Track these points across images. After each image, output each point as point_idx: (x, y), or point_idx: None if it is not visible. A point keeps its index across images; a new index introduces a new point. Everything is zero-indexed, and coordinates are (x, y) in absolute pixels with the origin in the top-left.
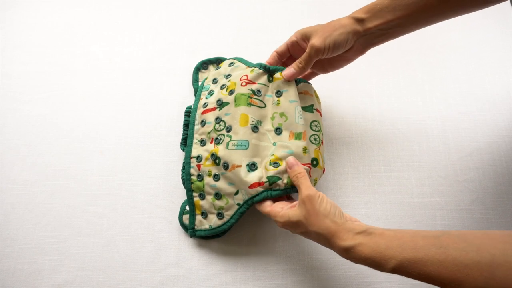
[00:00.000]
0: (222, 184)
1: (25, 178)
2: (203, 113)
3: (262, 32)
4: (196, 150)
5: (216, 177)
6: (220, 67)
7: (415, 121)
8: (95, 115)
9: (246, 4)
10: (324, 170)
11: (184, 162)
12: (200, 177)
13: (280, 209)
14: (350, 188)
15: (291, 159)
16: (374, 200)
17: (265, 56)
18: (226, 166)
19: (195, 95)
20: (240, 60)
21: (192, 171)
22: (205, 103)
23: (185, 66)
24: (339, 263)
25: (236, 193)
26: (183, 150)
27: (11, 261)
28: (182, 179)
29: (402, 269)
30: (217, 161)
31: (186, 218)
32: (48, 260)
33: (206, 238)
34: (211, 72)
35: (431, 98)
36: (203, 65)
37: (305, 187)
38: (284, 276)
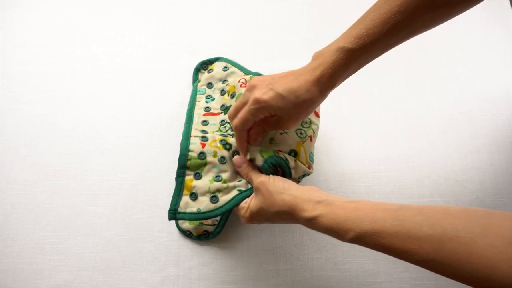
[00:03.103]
0: (227, 168)
1: (25, 178)
2: (205, 114)
3: (262, 32)
4: (197, 136)
5: (223, 160)
6: (212, 70)
7: (415, 120)
8: (95, 115)
9: (246, 4)
10: (309, 167)
11: (182, 137)
12: (202, 155)
13: (244, 204)
14: (350, 188)
15: (237, 158)
16: (374, 200)
17: (265, 56)
18: (237, 153)
19: None
20: (235, 64)
21: (193, 147)
22: (206, 107)
23: (185, 66)
24: (339, 263)
25: (240, 180)
26: None
27: (11, 261)
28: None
29: (359, 240)
30: (227, 146)
31: (182, 222)
32: (48, 260)
33: (201, 240)
34: (204, 75)
35: (431, 97)
36: (203, 65)
37: (255, 176)
38: (284, 276)
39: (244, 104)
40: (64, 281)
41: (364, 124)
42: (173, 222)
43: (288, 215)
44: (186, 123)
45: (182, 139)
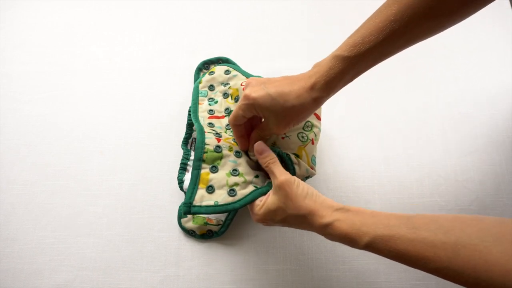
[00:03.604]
0: (243, 162)
1: (25, 178)
2: (210, 117)
3: (262, 32)
4: (210, 132)
5: (238, 154)
6: (213, 72)
7: (415, 121)
8: (95, 115)
9: (246, 4)
10: (312, 168)
11: (197, 132)
12: (218, 148)
13: (259, 202)
14: (350, 188)
15: (260, 144)
16: (374, 200)
17: (265, 56)
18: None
19: None
20: (236, 68)
21: (209, 141)
22: (210, 110)
23: (185, 66)
24: (339, 263)
25: (256, 176)
26: (183, 149)
27: (11, 261)
28: (178, 179)
29: (374, 245)
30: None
31: (185, 221)
32: (48, 260)
33: (205, 238)
34: (205, 77)
35: (431, 97)
36: (205, 65)
37: (279, 173)
38: (284, 276)
39: None
40: (64, 281)
41: (364, 124)
42: (174, 222)
43: (305, 219)
44: (196, 121)
45: (197, 134)
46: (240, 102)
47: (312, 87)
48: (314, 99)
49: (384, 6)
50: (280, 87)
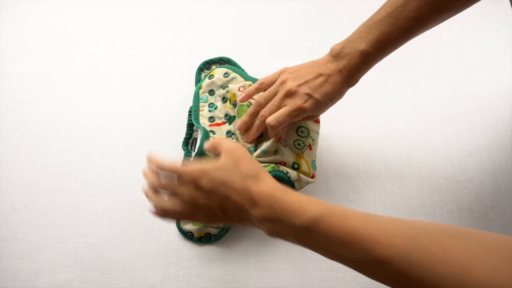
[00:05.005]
0: None
1: (25, 178)
2: (211, 125)
3: (262, 32)
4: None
5: None
6: (213, 76)
7: (415, 121)
8: (95, 115)
9: (246, 4)
10: (313, 176)
11: (201, 140)
12: None
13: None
14: (350, 188)
15: (207, 143)
16: (374, 200)
17: (265, 56)
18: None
19: None
20: (235, 70)
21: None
22: (211, 117)
23: (185, 66)
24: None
25: None
26: (184, 150)
27: (11, 261)
28: None
29: (318, 224)
30: None
31: (184, 222)
32: (48, 260)
33: (202, 242)
34: (205, 81)
35: (431, 98)
36: (206, 65)
37: (226, 143)
38: (284, 276)
39: (273, 94)
40: (64, 281)
41: (364, 124)
42: (173, 221)
43: (248, 182)
44: (201, 128)
45: (201, 143)
46: (290, 111)
47: (346, 82)
48: (347, 88)
49: (403, 2)
50: (322, 89)
